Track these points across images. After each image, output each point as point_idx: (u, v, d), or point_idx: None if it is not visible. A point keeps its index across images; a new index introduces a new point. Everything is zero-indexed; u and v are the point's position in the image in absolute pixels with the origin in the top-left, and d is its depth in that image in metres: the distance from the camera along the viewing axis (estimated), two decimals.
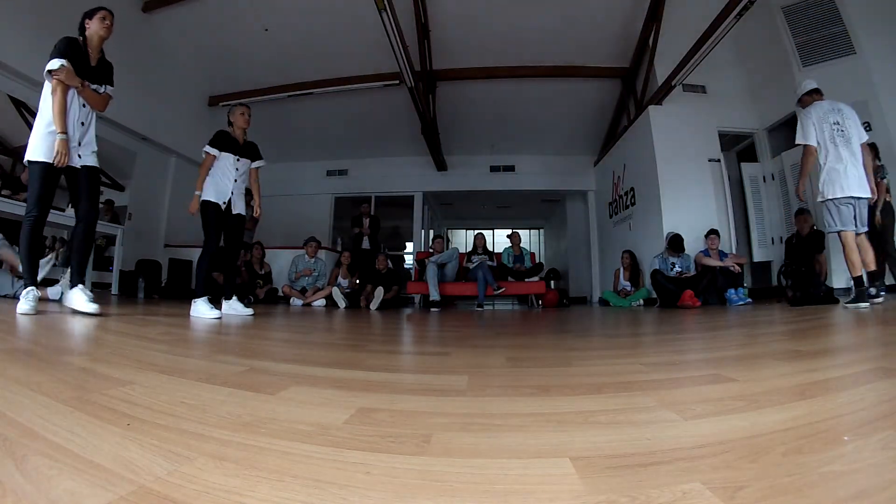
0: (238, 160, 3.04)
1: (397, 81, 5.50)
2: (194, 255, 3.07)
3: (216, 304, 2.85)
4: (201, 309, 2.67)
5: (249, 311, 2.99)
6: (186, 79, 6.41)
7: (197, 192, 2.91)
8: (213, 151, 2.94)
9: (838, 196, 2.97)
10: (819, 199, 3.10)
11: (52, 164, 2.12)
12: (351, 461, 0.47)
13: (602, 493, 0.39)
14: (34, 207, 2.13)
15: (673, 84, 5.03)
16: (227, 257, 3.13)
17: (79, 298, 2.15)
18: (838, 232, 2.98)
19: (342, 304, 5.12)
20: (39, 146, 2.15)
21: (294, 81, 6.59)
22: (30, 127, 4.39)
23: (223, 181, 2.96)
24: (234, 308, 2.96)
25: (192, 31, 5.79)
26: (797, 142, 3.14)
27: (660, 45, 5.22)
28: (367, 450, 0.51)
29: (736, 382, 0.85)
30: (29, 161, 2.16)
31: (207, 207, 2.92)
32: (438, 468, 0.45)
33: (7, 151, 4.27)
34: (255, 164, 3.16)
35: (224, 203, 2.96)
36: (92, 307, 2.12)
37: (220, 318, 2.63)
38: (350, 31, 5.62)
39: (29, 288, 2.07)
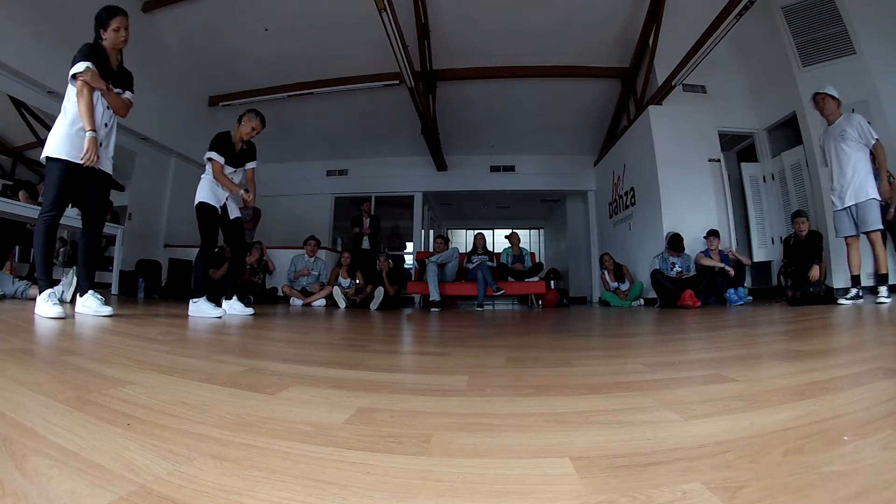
0: (234, 171, 3.03)
1: (397, 81, 5.50)
2: (194, 255, 3.09)
3: (215, 303, 2.86)
4: (203, 308, 2.69)
5: (250, 310, 3.00)
6: (186, 79, 6.41)
7: (241, 191, 2.96)
8: (219, 159, 2.92)
9: None
10: (879, 198, 3.19)
11: (75, 162, 2.10)
12: (351, 461, 0.47)
13: (602, 493, 0.39)
14: (52, 206, 2.08)
15: (673, 84, 5.03)
16: (231, 258, 3.15)
17: (92, 303, 2.19)
18: (881, 230, 3.15)
19: (342, 303, 5.12)
20: (61, 144, 2.10)
21: (294, 81, 6.60)
22: (31, 127, 4.43)
23: (218, 186, 2.97)
24: (234, 308, 2.97)
25: (192, 31, 5.79)
26: (875, 139, 3.18)
27: (660, 45, 5.22)
28: (367, 450, 0.51)
29: (736, 382, 0.85)
30: (48, 158, 2.10)
31: (203, 209, 2.92)
32: (438, 468, 0.45)
33: (7, 151, 4.27)
34: (248, 165, 3.12)
35: (220, 206, 2.97)
36: (106, 310, 2.17)
37: (221, 316, 2.64)
38: (350, 31, 5.63)
39: (50, 291, 2.01)
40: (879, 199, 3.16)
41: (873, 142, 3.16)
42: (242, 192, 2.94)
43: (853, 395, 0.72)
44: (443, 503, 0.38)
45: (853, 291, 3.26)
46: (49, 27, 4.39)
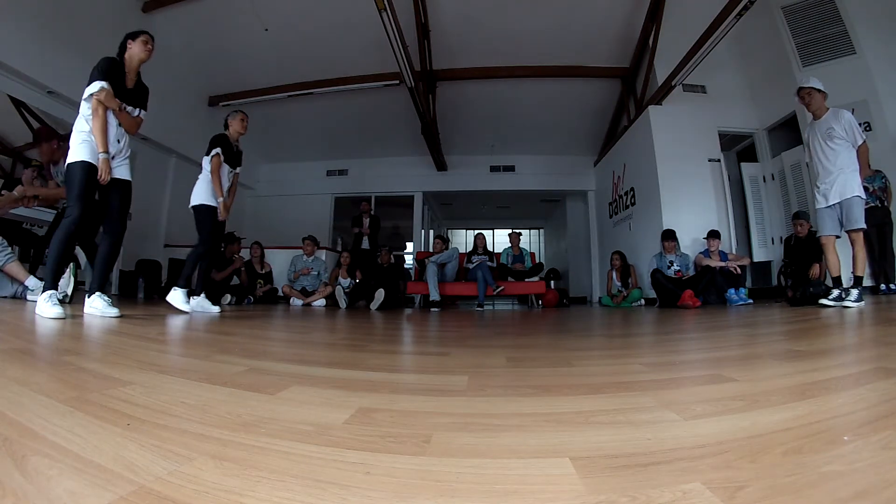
0: (230, 171, 3.15)
1: (397, 81, 5.50)
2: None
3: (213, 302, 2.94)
4: (177, 297, 2.81)
5: (216, 308, 3.05)
6: (186, 79, 6.40)
7: (221, 199, 3.02)
8: (222, 156, 3.03)
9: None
10: (864, 196, 3.10)
11: (94, 164, 2.18)
12: (351, 461, 0.47)
13: (602, 493, 0.39)
14: (76, 205, 2.13)
15: (673, 84, 5.03)
16: (208, 257, 3.19)
17: (99, 304, 2.21)
18: (864, 228, 3.06)
19: (343, 303, 5.12)
20: (79, 149, 2.19)
21: (294, 81, 6.60)
22: (31, 127, 4.42)
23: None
24: (201, 305, 3.04)
25: (192, 31, 5.78)
26: (864, 138, 3.09)
27: (660, 45, 5.22)
28: (367, 450, 0.51)
29: (736, 382, 0.85)
30: (69, 164, 2.18)
31: (207, 211, 3.00)
32: (438, 468, 0.45)
33: (7, 151, 4.27)
34: (237, 170, 3.25)
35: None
36: (113, 311, 2.20)
37: (189, 313, 2.76)
38: (350, 31, 5.62)
39: (51, 291, 2.01)
40: (864, 196, 3.08)
41: (860, 142, 3.07)
42: (221, 200, 3.02)
43: (853, 395, 0.72)
44: (443, 503, 0.38)
45: (835, 293, 3.16)
46: (49, 27, 4.38)
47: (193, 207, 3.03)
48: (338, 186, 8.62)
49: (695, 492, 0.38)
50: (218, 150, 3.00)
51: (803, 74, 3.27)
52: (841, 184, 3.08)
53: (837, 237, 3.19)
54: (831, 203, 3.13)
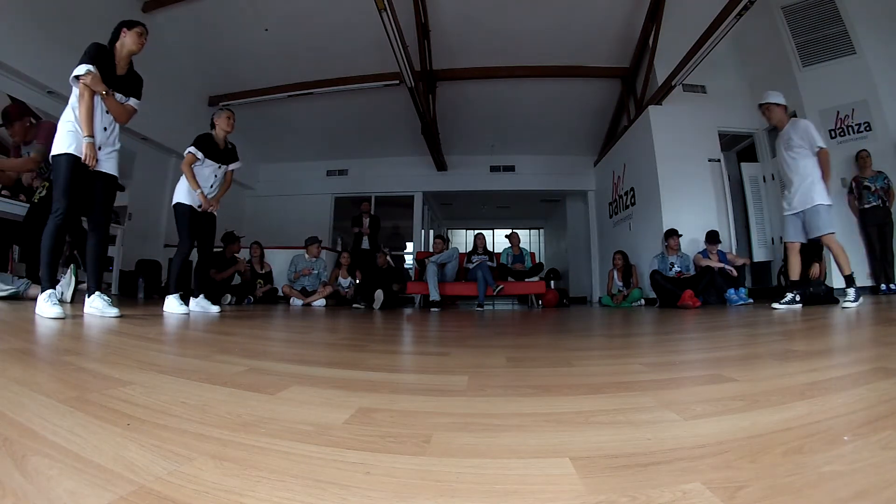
0: (219, 168, 3.11)
1: (397, 81, 5.50)
2: (193, 255, 3.12)
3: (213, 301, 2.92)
4: (172, 304, 2.78)
5: (216, 308, 3.06)
6: (186, 79, 6.40)
7: (198, 190, 2.97)
8: (199, 154, 2.99)
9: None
10: (827, 203, 3.09)
11: (79, 157, 2.15)
12: (351, 461, 0.47)
13: (602, 493, 0.39)
14: (61, 200, 2.09)
15: (673, 84, 5.03)
16: (199, 256, 3.19)
17: (99, 304, 2.20)
18: (832, 233, 3.07)
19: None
20: (64, 140, 2.15)
21: (294, 81, 6.60)
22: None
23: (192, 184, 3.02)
24: (201, 305, 3.05)
25: (192, 30, 5.79)
26: (820, 145, 3.08)
27: (660, 45, 5.22)
28: (367, 450, 0.51)
29: (736, 382, 0.85)
30: (54, 156, 2.15)
31: (181, 210, 2.98)
32: (438, 468, 0.45)
33: (7, 151, 4.26)
34: (232, 166, 3.23)
35: (198, 206, 3.03)
36: (113, 311, 2.18)
37: (188, 313, 2.75)
38: (350, 31, 5.62)
39: (50, 291, 2.01)
40: (828, 203, 3.06)
41: (817, 149, 3.08)
42: (199, 191, 2.98)
43: (853, 395, 0.72)
44: (443, 503, 0.38)
45: (788, 296, 3.19)
46: (49, 27, 4.38)
47: (172, 206, 3.03)
48: (338, 186, 8.62)
49: (695, 492, 0.38)
50: (191, 147, 2.99)
51: (766, 93, 3.33)
52: (803, 193, 3.13)
53: (803, 244, 3.26)
54: (795, 211, 3.20)
